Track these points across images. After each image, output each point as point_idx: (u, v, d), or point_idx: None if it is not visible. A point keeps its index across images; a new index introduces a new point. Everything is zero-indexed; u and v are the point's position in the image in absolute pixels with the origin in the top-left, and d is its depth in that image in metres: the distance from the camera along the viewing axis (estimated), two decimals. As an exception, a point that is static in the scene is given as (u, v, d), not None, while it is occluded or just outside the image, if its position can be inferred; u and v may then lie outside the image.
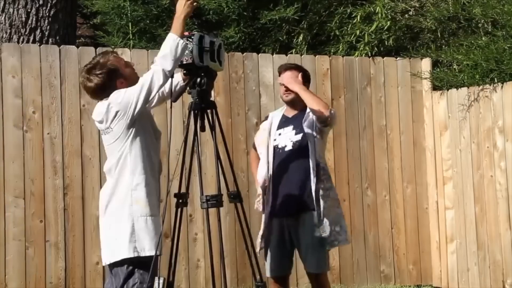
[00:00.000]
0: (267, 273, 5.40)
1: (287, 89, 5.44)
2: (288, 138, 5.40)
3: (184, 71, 4.79)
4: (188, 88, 4.76)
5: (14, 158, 6.70)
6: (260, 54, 7.87)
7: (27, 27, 8.66)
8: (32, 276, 6.68)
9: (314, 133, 5.34)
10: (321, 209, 5.26)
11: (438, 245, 7.89)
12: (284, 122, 5.48)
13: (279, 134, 5.44)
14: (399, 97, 8.06)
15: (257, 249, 5.35)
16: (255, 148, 5.68)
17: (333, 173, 7.65)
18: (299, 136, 5.36)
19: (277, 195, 5.35)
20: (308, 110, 5.37)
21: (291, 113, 5.50)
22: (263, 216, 5.47)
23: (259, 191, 5.45)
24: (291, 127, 5.42)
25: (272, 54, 8.10)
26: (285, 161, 5.37)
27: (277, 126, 5.48)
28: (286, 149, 5.37)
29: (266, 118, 5.66)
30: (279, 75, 5.57)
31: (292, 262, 5.50)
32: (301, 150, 5.33)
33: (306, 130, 5.34)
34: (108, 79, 4.56)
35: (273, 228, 5.38)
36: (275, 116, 5.56)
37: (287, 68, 5.54)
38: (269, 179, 5.40)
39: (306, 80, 5.54)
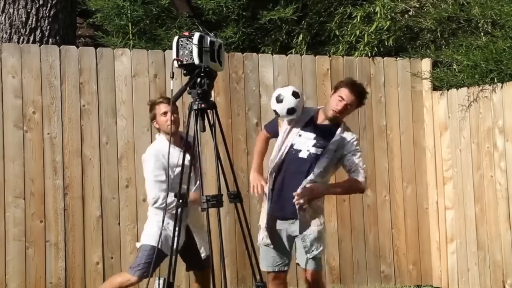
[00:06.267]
0: (264, 268, 5.38)
1: (343, 109, 5.29)
2: (306, 144, 5.30)
3: (184, 72, 4.79)
4: (188, 88, 4.76)
5: (14, 158, 6.70)
6: (260, 54, 7.87)
7: (27, 27, 8.67)
8: (32, 276, 6.68)
9: (333, 158, 5.32)
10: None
11: (438, 245, 7.89)
12: (310, 125, 5.34)
13: (299, 135, 5.34)
14: (399, 97, 8.06)
15: (258, 242, 5.38)
16: (268, 130, 5.54)
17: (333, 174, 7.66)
18: (317, 151, 5.28)
19: (277, 196, 5.34)
20: (339, 131, 5.31)
21: (321, 119, 5.37)
22: (263, 210, 5.45)
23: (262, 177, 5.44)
24: (313, 135, 5.31)
25: (272, 54, 8.10)
26: (294, 165, 5.30)
27: (303, 125, 5.36)
28: (300, 154, 5.29)
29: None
30: (336, 89, 5.35)
31: (289, 259, 5.48)
32: (312, 162, 5.27)
33: (329, 149, 5.28)
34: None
35: (273, 226, 5.38)
36: (305, 114, 5.37)
37: (348, 84, 5.33)
38: (274, 175, 5.35)
39: (361, 100, 5.40)
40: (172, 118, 5.43)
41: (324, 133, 5.31)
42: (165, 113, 5.63)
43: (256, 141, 5.75)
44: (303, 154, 5.28)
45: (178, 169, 5.19)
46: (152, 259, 5.32)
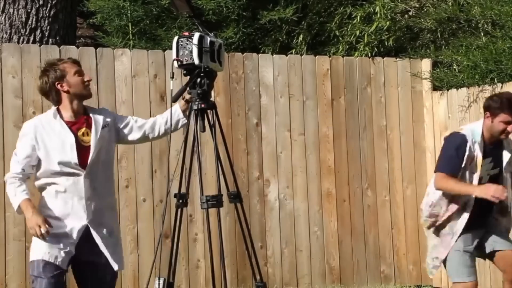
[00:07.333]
0: (467, 278, 5.49)
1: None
2: (485, 170, 5.37)
3: (184, 72, 4.79)
4: (188, 88, 4.77)
5: (14, 158, 6.69)
6: (260, 54, 7.88)
7: (27, 27, 8.67)
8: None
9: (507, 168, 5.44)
10: None
11: (438, 246, 7.88)
12: (487, 152, 5.35)
13: (482, 165, 5.37)
14: (399, 98, 8.06)
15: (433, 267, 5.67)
16: (452, 173, 5.44)
17: (333, 174, 7.67)
18: (495, 171, 5.41)
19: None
20: (505, 145, 5.37)
21: (491, 140, 5.36)
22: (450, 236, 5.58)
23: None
24: (489, 159, 5.37)
25: (272, 54, 8.10)
26: None
27: (483, 154, 5.33)
28: (482, 182, 5.37)
29: (457, 136, 5.43)
30: (493, 114, 5.25)
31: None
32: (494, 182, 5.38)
33: (506, 164, 5.41)
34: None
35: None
36: (477, 142, 5.33)
37: (507, 108, 5.22)
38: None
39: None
40: (88, 78, 4.72)
41: (496, 153, 5.39)
42: (79, 72, 4.68)
43: (449, 181, 5.48)
44: (485, 180, 5.38)
45: (54, 150, 4.73)
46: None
